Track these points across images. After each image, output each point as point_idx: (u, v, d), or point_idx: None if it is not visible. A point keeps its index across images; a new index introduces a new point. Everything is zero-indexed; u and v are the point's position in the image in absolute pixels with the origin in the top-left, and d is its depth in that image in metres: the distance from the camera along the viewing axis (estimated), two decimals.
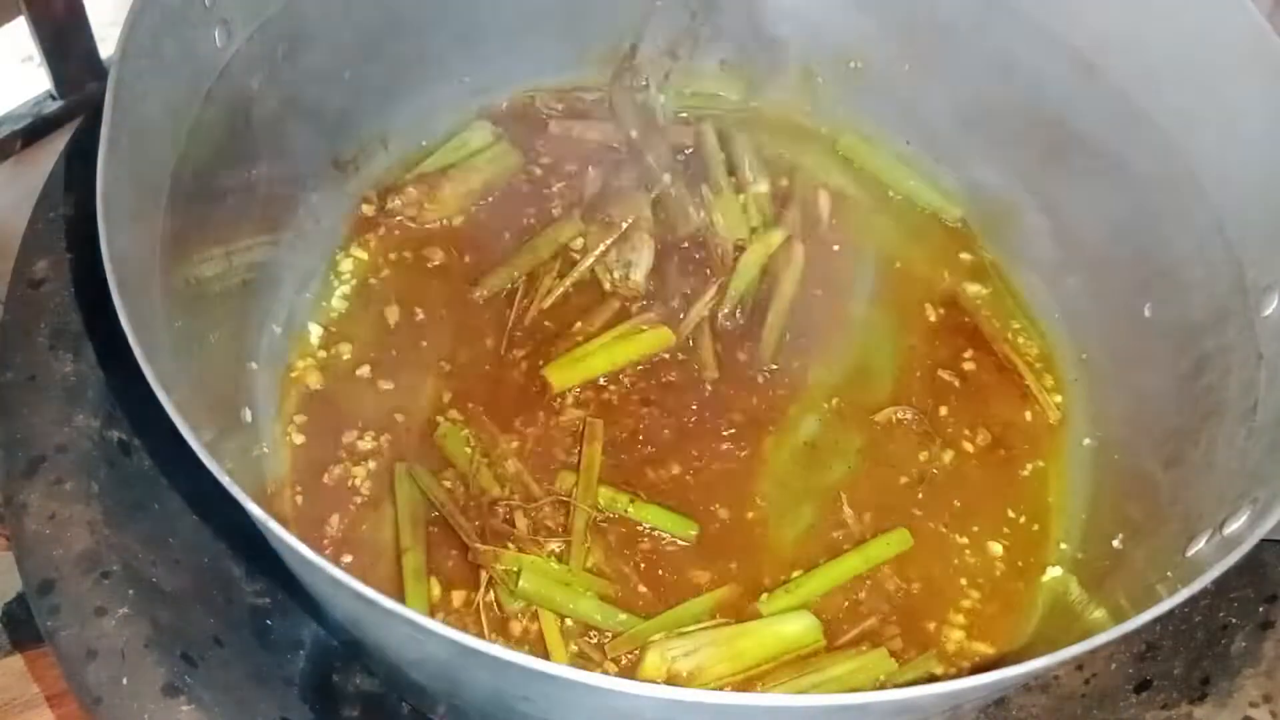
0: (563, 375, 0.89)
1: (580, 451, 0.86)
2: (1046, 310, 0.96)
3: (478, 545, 0.79)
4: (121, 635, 0.69)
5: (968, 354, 0.94)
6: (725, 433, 0.88)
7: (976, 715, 0.79)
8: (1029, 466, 0.90)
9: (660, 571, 0.82)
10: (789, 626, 0.79)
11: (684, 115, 1.06)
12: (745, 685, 0.77)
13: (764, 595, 0.81)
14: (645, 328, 0.92)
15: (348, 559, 0.82)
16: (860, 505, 0.86)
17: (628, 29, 1.05)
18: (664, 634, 0.78)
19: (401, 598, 0.79)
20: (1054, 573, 0.85)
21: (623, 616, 0.79)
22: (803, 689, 0.76)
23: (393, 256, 0.95)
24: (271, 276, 0.90)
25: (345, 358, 0.90)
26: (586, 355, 0.90)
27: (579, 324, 0.92)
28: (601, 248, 0.95)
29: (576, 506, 0.82)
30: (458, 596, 0.80)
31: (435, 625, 0.52)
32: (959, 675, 0.79)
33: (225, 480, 0.55)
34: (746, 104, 1.07)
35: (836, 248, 0.99)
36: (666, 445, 0.87)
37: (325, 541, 0.82)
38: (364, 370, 0.89)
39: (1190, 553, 0.68)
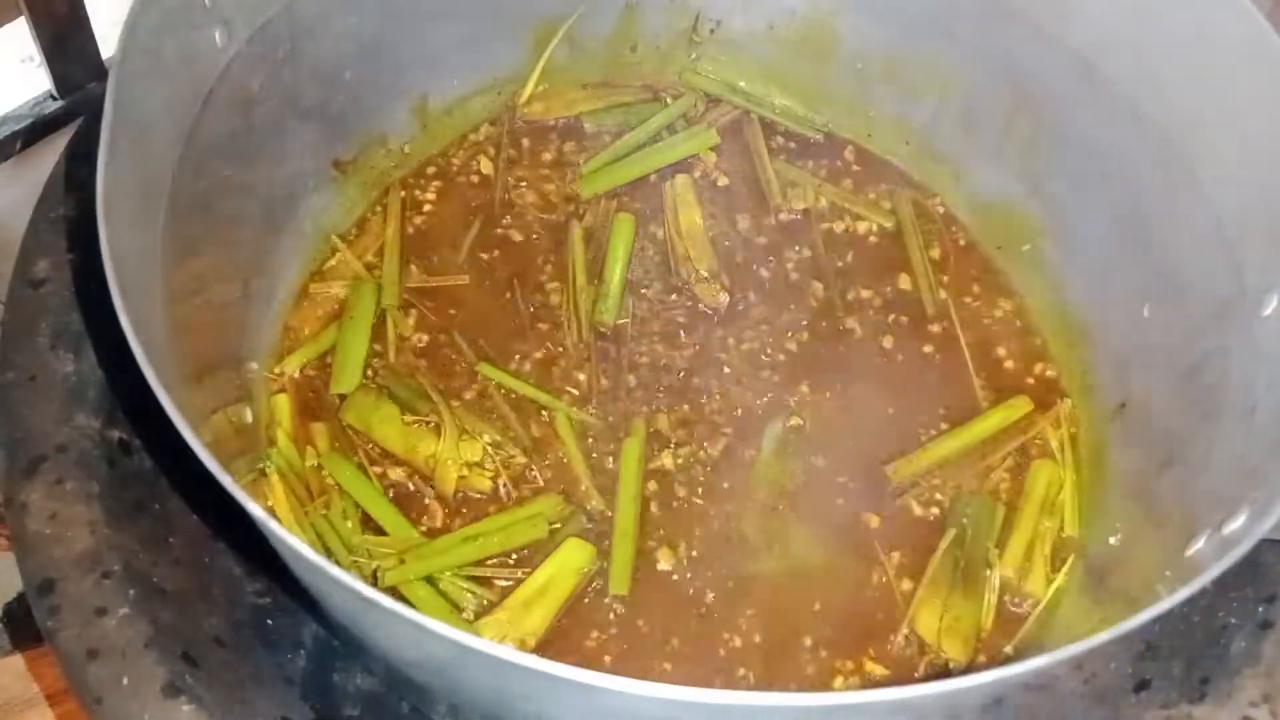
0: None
1: None
2: (1045, 310, 0.96)
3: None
4: (122, 635, 0.69)
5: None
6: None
7: (976, 715, 0.79)
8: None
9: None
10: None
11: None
12: None
13: None
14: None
15: None
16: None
17: (622, 26, 1.05)
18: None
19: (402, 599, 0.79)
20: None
21: None
22: None
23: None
24: (271, 276, 0.90)
25: None
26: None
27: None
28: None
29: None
30: None
31: (436, 625, 0.52)
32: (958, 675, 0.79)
33: (225, 480, 0.55)
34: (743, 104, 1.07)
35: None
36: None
37: None
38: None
39: (1189, 552, 0.68)
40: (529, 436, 0.87)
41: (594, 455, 0.87)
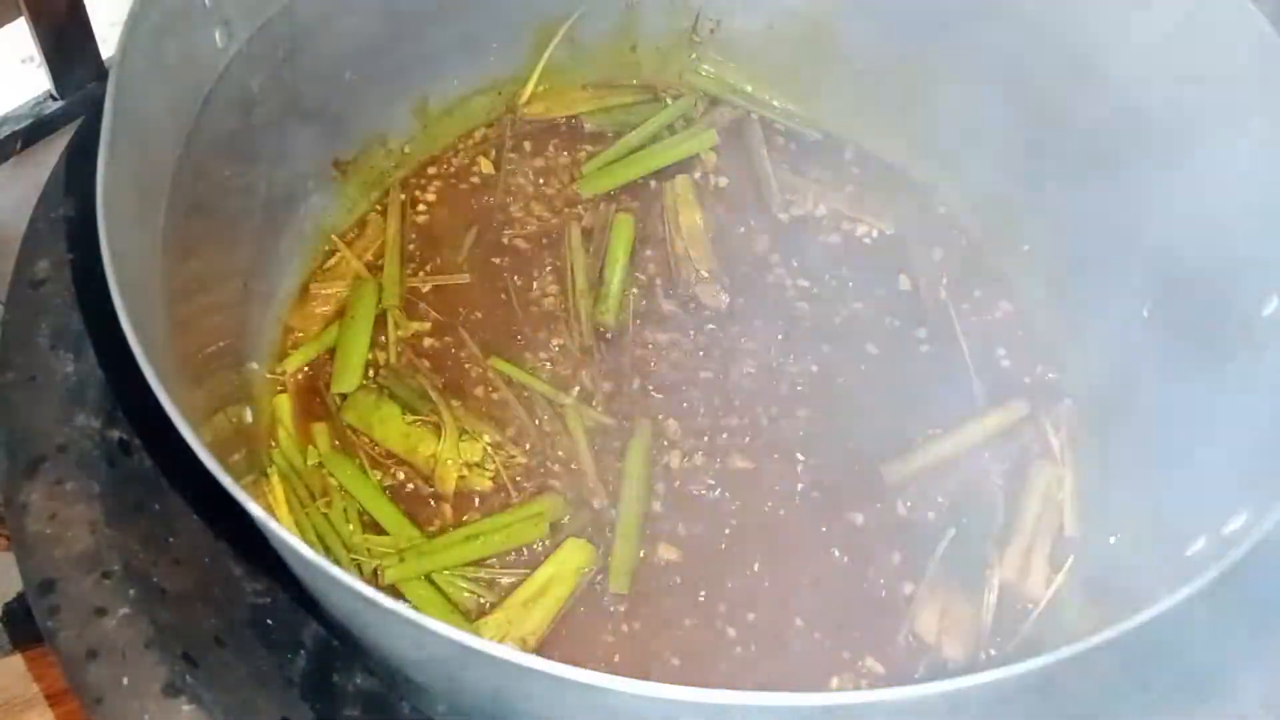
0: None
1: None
2: (1046, 310, 0.96)
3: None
4: (122, 635, 0.69)
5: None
6: None
7: (976, 715, 0.79)
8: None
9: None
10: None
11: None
12: None
13: None
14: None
15: None
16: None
17: (623, 26, 1.05)
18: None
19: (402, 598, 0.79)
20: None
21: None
22: None
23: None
24: (271, 276, 0.90)
25: None
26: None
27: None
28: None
29: None
30: None
31: (435, 625, 0.52)
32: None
33: (225, 480, 0.55)
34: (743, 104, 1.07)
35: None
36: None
37: None
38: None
39: (1189, 552, 0.68)
40: (540, 432, 0.87)
41: (599, 454, 0.87)
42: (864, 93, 1.04)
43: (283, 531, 0.55)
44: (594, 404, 0.89)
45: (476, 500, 0.85)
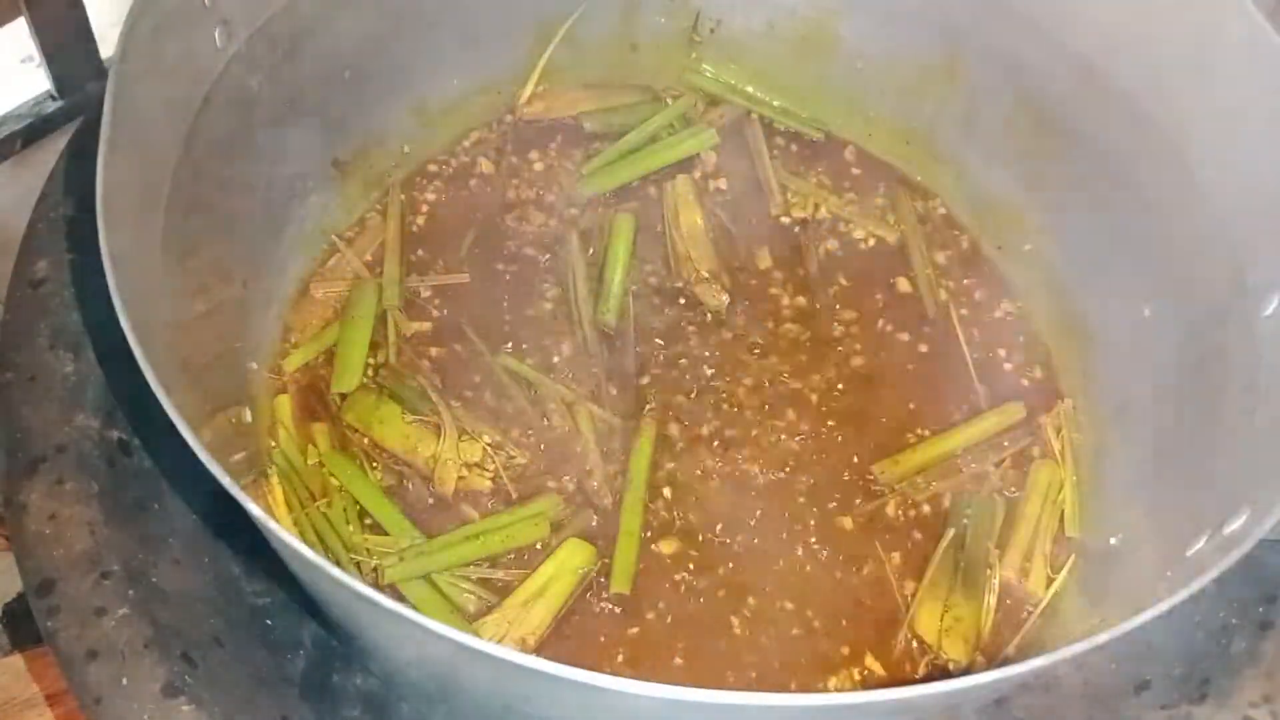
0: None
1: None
2: (1046, 310, 0.96)
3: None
4: (121, 635, 0.69)
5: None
6: None
7: (976, 715, 0.79)
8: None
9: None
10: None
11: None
12: None
13: None
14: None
15: None
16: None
17: (623, 26, 1.05)
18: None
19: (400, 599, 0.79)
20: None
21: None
22: None
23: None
24: (271, 276, 0.90)
25: None
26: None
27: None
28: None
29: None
30: None
31: (435, 625, 0.52)
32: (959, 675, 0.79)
33: (225, 480, 0.55)
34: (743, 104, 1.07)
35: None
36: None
37: None
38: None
39: (1189, 553, 0.68)
40: (547, 430, 0.87)
41: (603, 454, 0.87)
42: (864, 93, 1.04)
43: (283, 531, 0.55)
44: (599, 404, 0.89)
45: (477, 500, 0.84)
